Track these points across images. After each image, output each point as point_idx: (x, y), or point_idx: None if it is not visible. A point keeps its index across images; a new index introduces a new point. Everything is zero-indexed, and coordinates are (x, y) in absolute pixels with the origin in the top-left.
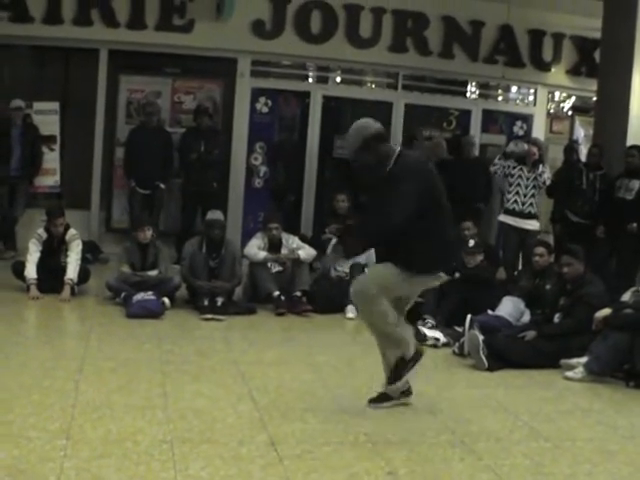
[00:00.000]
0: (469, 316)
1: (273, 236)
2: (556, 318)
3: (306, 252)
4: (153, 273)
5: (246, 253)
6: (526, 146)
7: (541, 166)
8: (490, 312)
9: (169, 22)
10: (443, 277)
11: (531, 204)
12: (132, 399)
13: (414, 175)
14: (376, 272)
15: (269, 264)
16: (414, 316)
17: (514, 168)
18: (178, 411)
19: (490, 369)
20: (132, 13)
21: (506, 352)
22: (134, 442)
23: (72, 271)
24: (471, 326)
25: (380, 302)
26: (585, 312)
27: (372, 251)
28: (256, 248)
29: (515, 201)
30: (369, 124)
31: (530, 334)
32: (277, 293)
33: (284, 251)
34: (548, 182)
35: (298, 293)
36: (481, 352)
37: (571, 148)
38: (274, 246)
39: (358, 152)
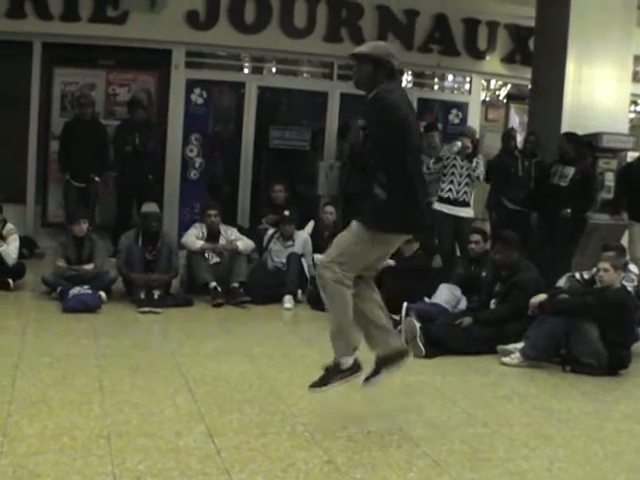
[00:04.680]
0: (405, 304)
1: (212, 223)
2: (492, 304)
3: (244, 243)
4: (89, 267)
5: (183, 242)
6: (459, 144)
7: (475, 159)
8: (427, 300)
9: (103, 14)
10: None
11: (465, 192)
12: (69, 394)
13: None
14: (340, 242)
15: (207, 255)
16: None
17: (447, 159)
18: (115, 405)
19: (428, 356)
20: (65, 5)
21: (443, 339)
22: (71, 437)
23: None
24: (408, 314)
25: (345, 292)
26: (520, 298)
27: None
28: (194, 237)
29: (449, 190)
30: (395, 55)
31: (466, 321)
32: (214, 284)
33: (222, 242)
34: (482, 177)
35: (235, 284)
36: (418, 339)
37: (509, 135)
38: (212, 236)
39: (361, 57)
